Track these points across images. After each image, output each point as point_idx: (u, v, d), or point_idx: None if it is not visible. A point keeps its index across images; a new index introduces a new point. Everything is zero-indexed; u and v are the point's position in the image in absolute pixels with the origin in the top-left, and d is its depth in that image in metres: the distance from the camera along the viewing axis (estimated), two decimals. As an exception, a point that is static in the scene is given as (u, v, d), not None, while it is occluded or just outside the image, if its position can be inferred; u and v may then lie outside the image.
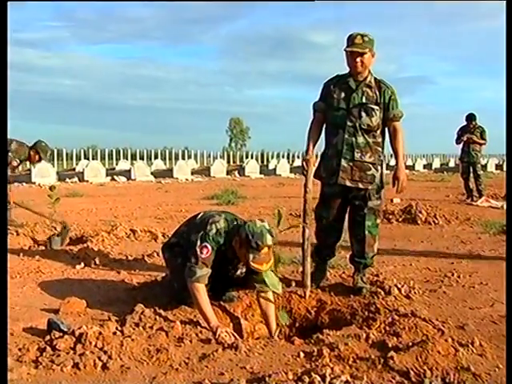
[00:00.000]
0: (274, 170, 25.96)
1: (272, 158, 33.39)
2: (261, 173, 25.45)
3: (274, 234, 3.29)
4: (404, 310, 3.40)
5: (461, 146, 11.25)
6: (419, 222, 7.77)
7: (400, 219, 7.95)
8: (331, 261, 4.44)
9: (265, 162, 31.45)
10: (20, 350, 2.80)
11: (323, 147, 4.23)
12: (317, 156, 4.19)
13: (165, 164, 27.69)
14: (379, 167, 4.06)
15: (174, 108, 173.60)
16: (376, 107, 3.97)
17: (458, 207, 9.42)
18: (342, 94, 4.02)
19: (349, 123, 3.98)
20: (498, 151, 33.24)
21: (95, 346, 2.78)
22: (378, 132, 4.05)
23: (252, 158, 31.71)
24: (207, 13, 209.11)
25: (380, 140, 4.08)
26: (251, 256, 3.18)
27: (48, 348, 2.78)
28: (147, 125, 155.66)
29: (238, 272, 3.57)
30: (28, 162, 7.70)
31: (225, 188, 13.54)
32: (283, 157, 32.64)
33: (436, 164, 34.65)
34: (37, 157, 7.32)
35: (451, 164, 33.95)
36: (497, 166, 32.25)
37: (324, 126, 4.17)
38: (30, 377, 2.55)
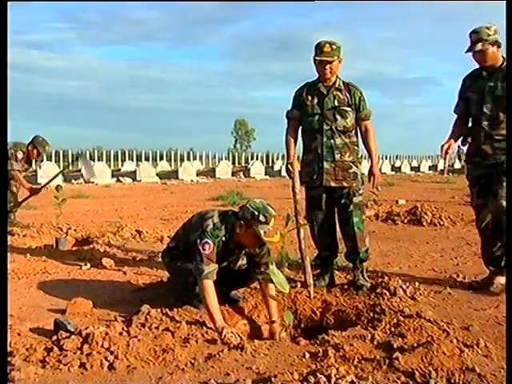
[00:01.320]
0: (279, 171, 25.94)
1: (277, 159, 33.40)
2: (266, 174, 25.48)
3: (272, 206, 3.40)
4: (409, 311, 3.40)
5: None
6: (424, 223, 7.77)
7: (405, 220, 7.95)
8: (336, 261, 4.48)
9: (270, 164, 31.46)
10: (27, 349, 2.82)
11: (301, 154, 4.42)
12: (298, 158, 4.33)
13: (170, 165, 27.76)
14: (358, 165, 4.26)
15: (179, 109, 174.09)
16: (349, 109, 4.15)
17: (464, 208, 9.39)
18: (315, 100, 4.18)
19: (325, 127, 4.14)
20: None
21: (102, 346, 2.79)
22: (353, 132, 4.23)
23: (257, 159, 31.74)
24: (212, 14, 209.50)
25: (355, 139, 4.25)
26: (262, 231, 3.25)
27: (55, 348, 2.80)
28: (152, 126, 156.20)
29: (239, 263, 3.60)
30: (34, 161, 7.69)
31: (230, 189, 13.58)
32: (288, 158, 32.59)
33: (441, 165, 34.55)
34: (35, 151, 7.26)
35: (457, 165, 33.86)
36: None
37: (300, 132, 4.33)
38: (37, 376, 2.57)
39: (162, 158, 29.85)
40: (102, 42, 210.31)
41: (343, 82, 4.19)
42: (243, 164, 31.57)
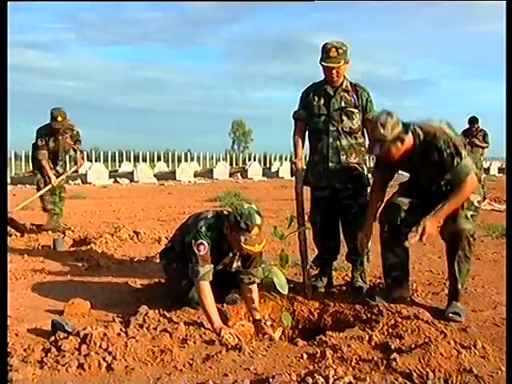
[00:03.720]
0: (277, 172, 25.95)
1: (275, 160, 33.38)
2: (263, 175, 25.46)
3: (262, 214, 3.32)
4: (407, 312, 3.41)
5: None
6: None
7: (402, 222, 7.92)
8: (334, 263, 4.47)
9: (267, 165, 31.46)
10: (25, 350, 2.82)
11: (307, 155, 4.38)
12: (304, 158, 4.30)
13: (167, 166, 27.72)
14: (364, 166, 4.23)
15: (177, 110, 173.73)
16: (355, 110, 4.12)
17: (461, 210, 9.41)
18: (322, 101, 4.15)
19: (331, 128, 4.11)
20: (501, 154, 33.15)
21: (100, 346, 2.80)
22: (359, 133, 4.19)
23: (255, 160, 31.72)
24: (211, 15, 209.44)
25: (361, 141, 4.21)
26: (242, 238, 3.20)
27: (53, 349, 2.80)
28: (150, 127, 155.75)
29: (235, 265, 3.59)
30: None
31: (227, 190, 13.57)
32: (286, 159, 32.58)
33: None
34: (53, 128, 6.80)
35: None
36: (499, 169, 32.16)
37: (307, 133, 4.29)
38: (35, 377, 2.57)
39: (159, 159, 29.81)
40: (100, 43, 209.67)
41: (350, 83, 4.16)
42: (241, 165, 31.55)
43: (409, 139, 3.49)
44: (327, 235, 4.29)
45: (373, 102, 4.19)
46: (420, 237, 3.47)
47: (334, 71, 4.02)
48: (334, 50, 3.95)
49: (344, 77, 4.14)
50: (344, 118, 4.09)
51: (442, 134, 3.47)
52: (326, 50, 3.98)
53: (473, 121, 11.15)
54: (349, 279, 4.40)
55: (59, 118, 6.73)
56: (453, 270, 3.53)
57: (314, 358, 2.76)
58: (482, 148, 11.18)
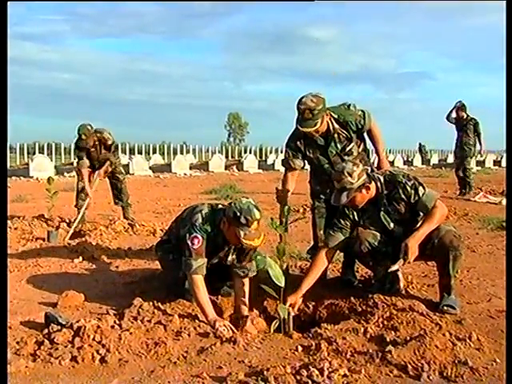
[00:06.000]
0: (273, 164, 25.92)
1: (270, 152, 33.37)
2: (259, 168, 25.43)
3: (260, 208, 3.30)
4: (402, 304, 3.40)
5: (455, 140, 10.95)
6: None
7: (398, 214, 7.93)
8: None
9: (263, 157, 31.43)
10: (18, 343, 2.81)
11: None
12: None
13: (163, 159, 27.65)
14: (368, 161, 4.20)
15: (173, 103, 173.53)
16: (352, 144, 4.04)
17: (456, 203, 9.42)
18: (318, 152, 4.08)
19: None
20: (497, 147, 33.23)
21: (93, 339, 2.78)
22: (360, 152, 4.11)
23: (250, 152, 31.68)
24: (207, 8, 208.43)
25: (364, 151, 4.16)
26: (242, 233, 3.18)
27: (46, 341, 2.79)
28: (146, 119, 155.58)
29: (229, 258, 3.58)
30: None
31: (223, 183, 13.55)
32: (281, 152, 32.53)
33: (434, 160, 34.63)
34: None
35: (449, 160, 33.93)
36: (495, 162, 32.23)
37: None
38: (28, 370, 2.56)
39: (154, 152, 29.71)
40: (97, 35, 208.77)
41: (333, 119, 3.97)
42: (236, 157, 31.50)
43: (372, 187, 3.54)
44: (324, 225, 4.23)
45: (359, 113, 4.02)
46: (404, 257, 3.38)
47: (312, 131, 3.88)
48: (307, 111, 3.75)
49: (327, 120, 3.92)
50: (345, 157, 4.00)
51: (399, 172, 3.62)
52: (300, 111, 3.78)
53: (459, 108, 10.50)
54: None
55: (83, 137, 6.82)
56: (447, 268, 3.48)
57: (308, 351, 2.76)
58: (478, 140, 10.80)
